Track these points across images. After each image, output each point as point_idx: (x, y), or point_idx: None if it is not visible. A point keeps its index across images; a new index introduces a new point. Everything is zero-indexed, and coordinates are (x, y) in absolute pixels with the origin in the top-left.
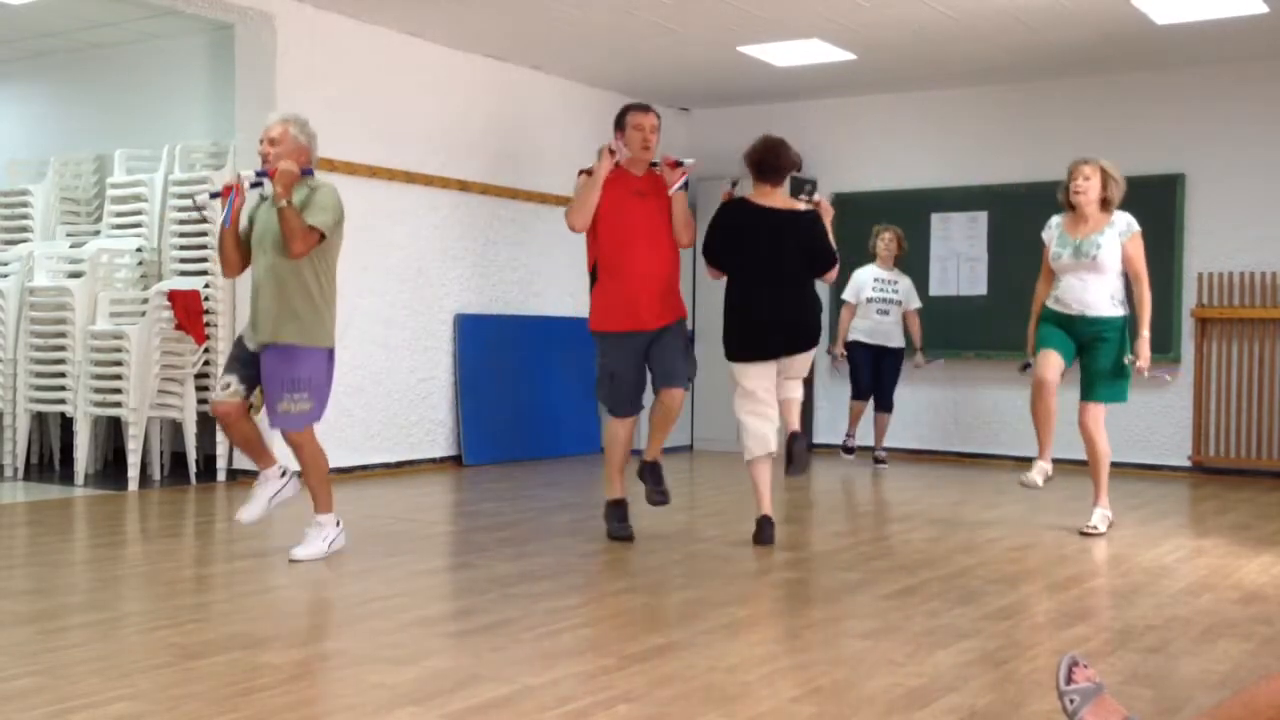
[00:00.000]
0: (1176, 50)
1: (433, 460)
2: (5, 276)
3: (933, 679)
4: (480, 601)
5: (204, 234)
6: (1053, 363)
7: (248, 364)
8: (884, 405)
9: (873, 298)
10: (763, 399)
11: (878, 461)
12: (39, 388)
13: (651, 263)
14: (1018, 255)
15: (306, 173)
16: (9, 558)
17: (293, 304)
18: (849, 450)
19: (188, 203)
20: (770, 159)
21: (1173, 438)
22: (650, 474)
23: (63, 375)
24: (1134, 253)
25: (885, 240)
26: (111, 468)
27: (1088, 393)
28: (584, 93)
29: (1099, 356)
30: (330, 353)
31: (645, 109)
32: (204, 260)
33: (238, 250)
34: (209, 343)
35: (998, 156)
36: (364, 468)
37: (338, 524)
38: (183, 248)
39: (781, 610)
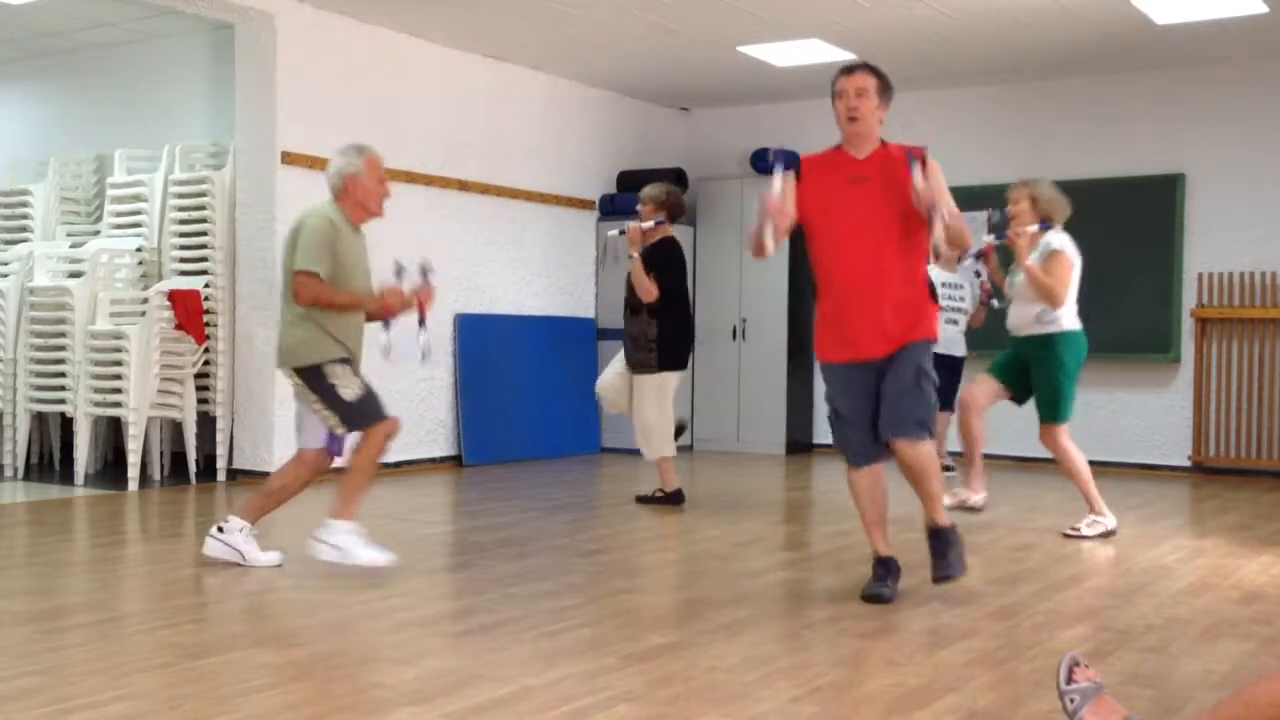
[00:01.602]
0: (1176, 50)
1: (433, 460)
2: (5, 276)
3: (933, 679)
4: (480, 601)
5: (204, 234)
6: (982, 387)
7: None
8: (942, 403)
9: (943, 306)
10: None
11: (946, 470)
12: (39, 388)
13: (870, 270)
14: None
15: None
16: (9, 558)
17: None
18: (950, 466)
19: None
20: (683, 206)
21: (1173, 438)
22: (934, 543)
23: (63, 375)
24: (1038, 271)
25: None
26: (111, 468)
27: (1038, 413)
28: (584, 93)
29: (1034, 376)
30: None
31: (849, 70)
32: (204, 260)
33: None
34: (209, 343)
35: (998, 156)
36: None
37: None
38: (183, 248)
39: (781, 610)
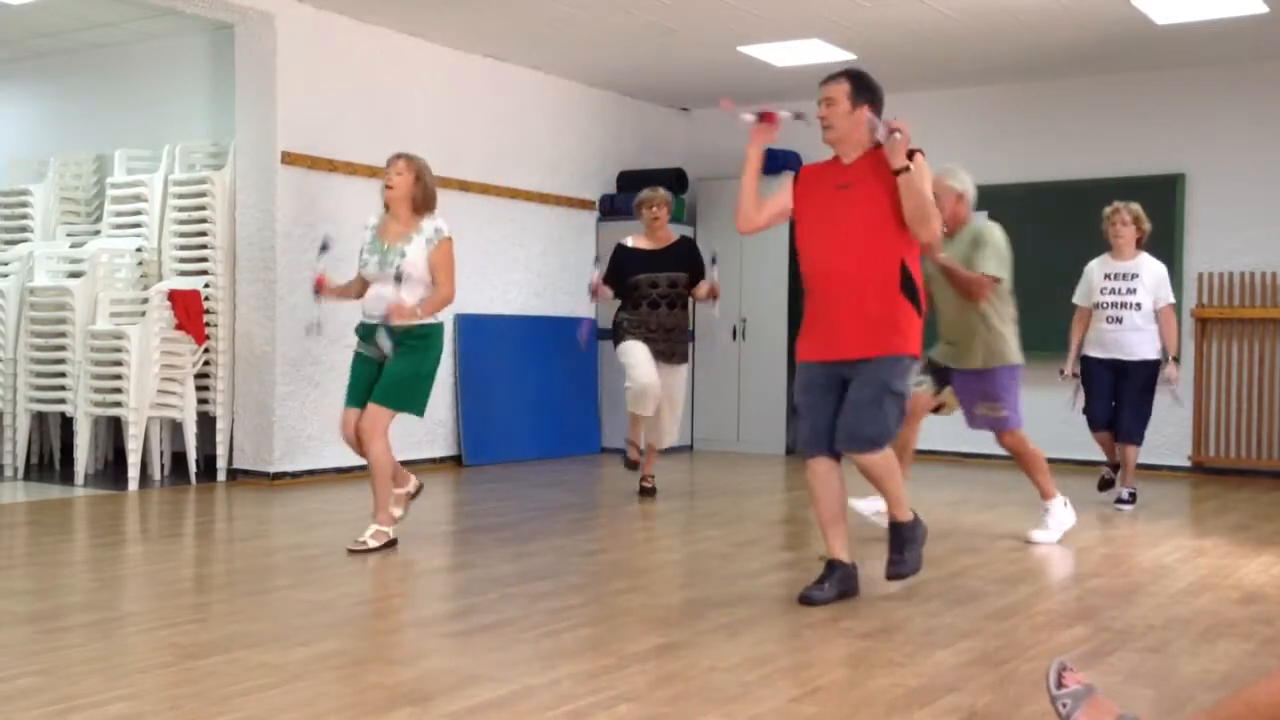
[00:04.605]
0: (1176, 50)
1: (433, 460)
2: (5, 276)
3: (933, 679)
4: (480, 601)
5: (204, 234)
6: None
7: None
8: (1121, 432)
9: (1102, 302)
10: None
11: (1119, 502)
12: (39, 388)
13: (851, 272)
14: (1018, 255)
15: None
16: (9, 558)
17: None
18: (1125, 499)
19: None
20: None
21: (1173, 438)
22: (892, 538)
23: (63, 375)
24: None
25: (1116, 224)
26: (111, 468)
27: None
28: (584, 93)
29: (398, 364)
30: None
31: (824, 82)
32: (204, 260)
33: None
34: (209, 343)
35: (998, 156)
36: (364, 468)
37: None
38: (183, 248)
39: (781, 610)
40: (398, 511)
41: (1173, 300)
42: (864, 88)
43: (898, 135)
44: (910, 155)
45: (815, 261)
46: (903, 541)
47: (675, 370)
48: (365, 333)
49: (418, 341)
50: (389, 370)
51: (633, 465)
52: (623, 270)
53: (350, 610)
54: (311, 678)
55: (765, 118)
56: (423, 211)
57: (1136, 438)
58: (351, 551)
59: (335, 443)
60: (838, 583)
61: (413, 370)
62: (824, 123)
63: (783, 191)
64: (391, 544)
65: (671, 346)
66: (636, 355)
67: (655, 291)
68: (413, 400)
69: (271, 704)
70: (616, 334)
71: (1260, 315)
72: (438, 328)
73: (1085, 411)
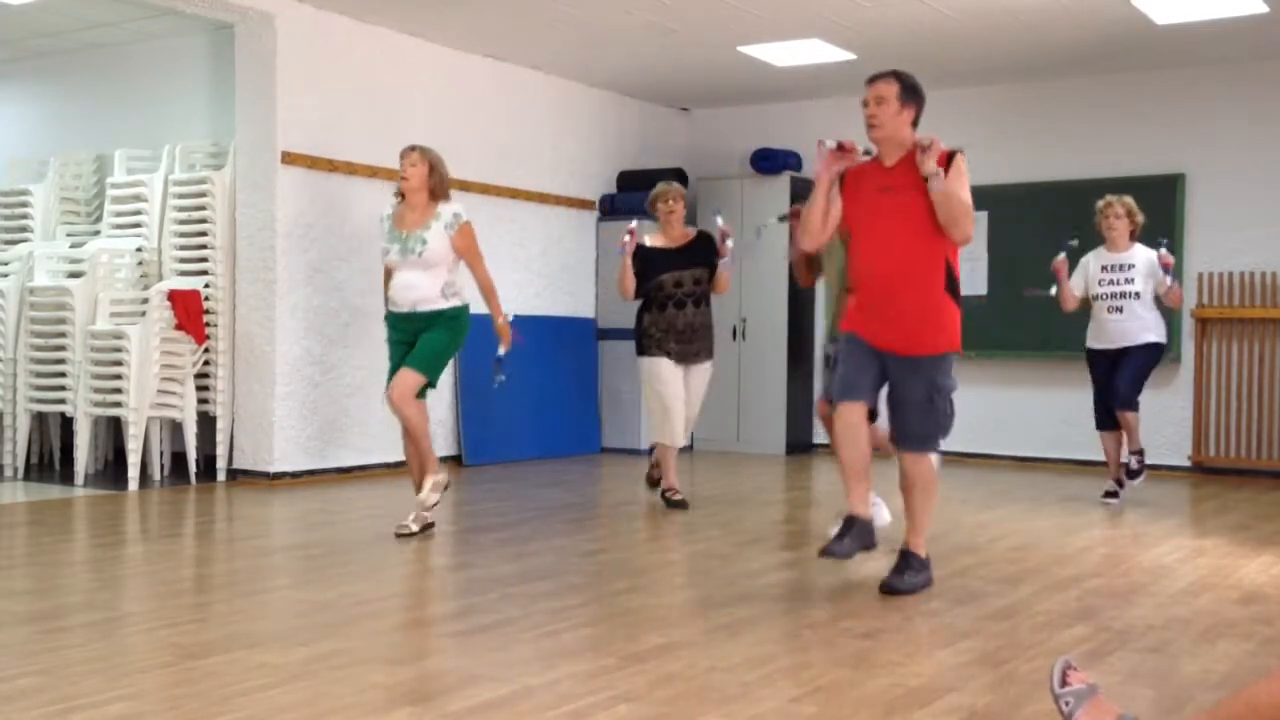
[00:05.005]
0: (1176, 50)
1: None
2: (5, 276)
3: (933, 679)
4: (480, 601)
5: (204, 234)
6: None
7: None
8: (1119, 400)
9: (1101, 293)
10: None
11: (1130, 474)
12: (39, 388)
13: (895, 274)
14: (1018, 255)
15: None
16: (9, 558)
17: None
18: (1135, 470)
19: None
20: None
21: (1172, 438)
22: (900, 560)
23: (63, 375)
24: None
25: (1110, 217)
26: (111, 468)
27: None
28: (584, 93)
29: (425, 339)
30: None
31: (872, 79)
32: (204, 260)
33: None
34: (209, 343)
35: (998, 156)
36: (363, 468)
37: None
38: (183, 248)
39: (781, 610)
40: (414, 526)
41: (1174, 282)
42: (911, 89)
43: (924, 150)
44: (951, 156)
45: (862, 264)
46: (907, 567)
47: (701, 369)
48: (394, 321)
49: (451, 322)
50: (427, 340)
51: (681, 504)
52: (646, 272)
53: (350, 610)
54: (311, 678)
55: (842, 147)
56: (438, 199)
57: (1132, 404)
58: (401, 535)
59: (335, 443)
60: (857, 537)
61: (444, 344)
62: (871, 121)
63: (835, 202)
64: (432, 510)
65: (699, 346)
66: (665, 376)
67: (680, 291)
68: (437, 370)
69: (271, 704)
70: (641, 343)
71: (1260, 315)
72: (465, 307)
73: (1094, 408)
